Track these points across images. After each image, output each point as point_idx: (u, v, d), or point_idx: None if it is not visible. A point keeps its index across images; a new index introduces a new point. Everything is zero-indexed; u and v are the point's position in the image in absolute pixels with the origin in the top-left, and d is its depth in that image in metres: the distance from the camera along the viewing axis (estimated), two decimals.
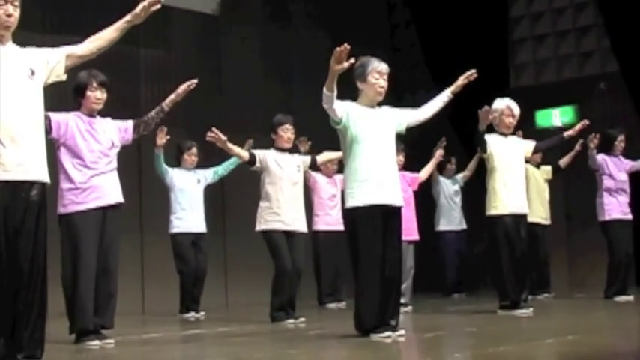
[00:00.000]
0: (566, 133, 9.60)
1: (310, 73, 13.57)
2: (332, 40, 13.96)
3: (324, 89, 6.50)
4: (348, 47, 6.24)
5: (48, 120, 6.74)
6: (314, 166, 9.37)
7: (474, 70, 7.41)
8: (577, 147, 11.22)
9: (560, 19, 14.33)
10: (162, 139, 9.59)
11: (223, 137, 8.50)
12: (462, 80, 7.38)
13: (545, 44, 14.45)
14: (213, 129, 8.49)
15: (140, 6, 5.64)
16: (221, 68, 13.18)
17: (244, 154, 8.74)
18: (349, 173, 6.80)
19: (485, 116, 8.57)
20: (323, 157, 9.27)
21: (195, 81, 7.42)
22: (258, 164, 8.70)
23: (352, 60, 6.34)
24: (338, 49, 6.26)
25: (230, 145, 8.65)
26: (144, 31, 12.11)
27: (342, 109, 6.69)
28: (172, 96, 7.45)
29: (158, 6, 5.65)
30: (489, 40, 13.78)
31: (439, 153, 10.73)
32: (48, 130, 6.69)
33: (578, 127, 9.60)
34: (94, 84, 7.10)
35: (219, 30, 13.26)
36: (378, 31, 14.90)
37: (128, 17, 5.68)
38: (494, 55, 13.90)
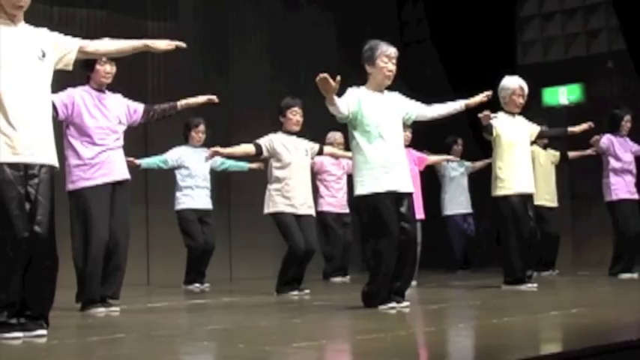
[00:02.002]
0: (570, 129, 9.76)
1: (317, 52, 13.62)
2: (339, 17, 14.11)
3: (326, 102, 6.52)
4: (325, 75, 6.28)
5: (53, 105, 6.77)
6: (320, 154, 9.36)
7: (490, 92, 7.55)
8: (589, 151, 11.18)
9: None
10: (134, 164, 9.34)
11: (221, 149, 8.53)
12: (479, 98, 7.44)
13: (553, 22, 14.42)
14: (208, 152, 8.50)
15: (166, 45, 5.84)
16: (228, 43, 13.17)
17: (250, 148, 8.70)
18: (357, 160, 6.77)
19: (486, 119, 8.61)
20: (330, 150, 9.28)
21: (217, 100, 7.55)
22: (265, 153, 8.70)
23: (339, 78, 6.34)
24: (317, 79, 6.29)
25: (231, 150, 8.68)
26: (152, 3, 12.21)
27: (348, 105, 6.65)
28: (190, 101, 7.53)
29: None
30: (497, 17, 13.78)
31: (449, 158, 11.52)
32: (54, 113, 6.74)
33: (583, 126, 9.73)
34: (103, 58, 7.09)
35: (227, 4, 13.25)
36: (385, 6, 14.87)
37: (149, 43, 5.80)
38: (502, 32, 13.91)
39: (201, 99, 7.55)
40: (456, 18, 13.88)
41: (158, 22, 12.32)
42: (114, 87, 7.34)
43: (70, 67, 5.51)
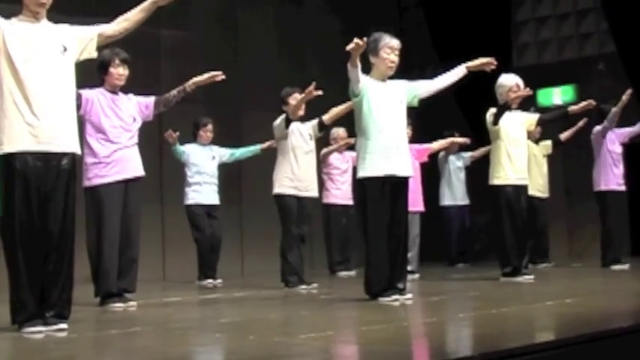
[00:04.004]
0: (571, 108, 9.62)
1: (323, 52, 13.62)
2: (343, 21, 14.10)
3: (349, 65, 6.57)
4: (358, 41, 6.36)
5: (79, 97, 6.82)
6: (322, 127, 9.04)
7: (493, 59, 7.23)
8: (580, 123, 11.23)
9: (560, 1, 14.29)
10: (173, 138, 9.82)
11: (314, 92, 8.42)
12: (480, 60, 7.19)
13: (547, 26, 14.41)
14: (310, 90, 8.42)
15: None
16: (238, 48, 13.18)
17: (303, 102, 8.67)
18: (361, 144, 6.83)
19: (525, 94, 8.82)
20: (330, 114, 9.04)
21: (223, 77, 7.38)
22: (289, 128, 8.74)
23: (365, 39, 6.43)
24: (351, 45, 6.37)
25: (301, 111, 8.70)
26: (164, 11, 12.20)
27: (361, 82, 6.74)
28: (197, 79, 7.37)
29: None
30: (493, 21, 13.76)
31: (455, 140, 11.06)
32: (78, 106, 6.78)
33: (583, 104, 9.58)
34: (117, 61, 7.17)
35: (237, 11, 13.26)
36: (387, 12, 14.87)
37: None
38: (498, 35, 13.87)
39: (206, 75, 7.36)
40: (455, 23, 13.86)
41: (171, 30, 12.35)
42: (129, 91, 7.36)
43: (95, 55, 5.58)
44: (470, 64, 7.16)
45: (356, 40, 6.38)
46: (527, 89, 8.89)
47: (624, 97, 10.31)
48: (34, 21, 5.29)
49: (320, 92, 8.32)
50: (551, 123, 9.97)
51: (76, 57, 5.41)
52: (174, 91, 7.44)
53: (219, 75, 7.34)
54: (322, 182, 11.04)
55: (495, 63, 7.20)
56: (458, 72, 7.17)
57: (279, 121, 8.80)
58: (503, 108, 8.86)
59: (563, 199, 13.53)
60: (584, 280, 9.06)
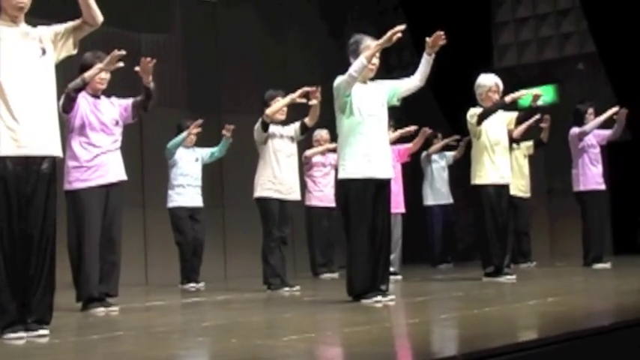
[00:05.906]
0: (532, 103, 9.54)
1: (304, 54, 13.63)
2: (324, 23, 14.12)
3: (363, 59, 6.56)
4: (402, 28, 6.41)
5: (75, 99, 6.88)
6: (305, 129, 8.97)
7: (441, 34, 7.01)
8: (543, 124, 11.29)
9: (540, 2, 14.36)
10: (196, 128, 10.04)
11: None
12: (427, 40, 6.98)
13: (527, 26, 14.48)
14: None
15: None
16: (219, 51, 13.16)
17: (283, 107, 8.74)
18: (343, 145, 6.83)
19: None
20: (310, 115, 8.88)
21: (154, 60, 7.10)
22: (269, 130, 8.72)
23: (399, 35, 6.44)
24: (393, 31, 6.42)
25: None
26: (145, 15, 12.21)
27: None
28: (143, 74, 7.12)
29: None
30: (473, 22, 13.80)
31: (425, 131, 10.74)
32: (68, 109, 6.77)
33: (525, 92, 9.51)
34: (99, 65, 7.09)
35: (217, 14, 13.25)
36: (367, 13, 14.90)
37: None
38: (478, 36, 13.92)
39: (141, 65, 7.06)
40: (435, 24, 13.85)
41: (151, 35, 12.33)
42: (110, 91, 7.34)
43: (74, 52, 5.48)
44: (427, 48, 6.96)
45: (399, 27, 6.41)
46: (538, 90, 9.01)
47: (609, 113, 10.37)
48: (13, 25, 5.25)
49: (304, 100, 8.34)
50: (525, 120, 10.01)
51: (55, 57, 5.37)
52: (142, 93, 7.31)
53: (150, 61, 7.05)
54: (305, 184, 11.05)
55: (442, 33, 6.99)
56: (424, 62, 6.97)
57: (258, 124, 8.80)
58: (494, 108, 8.85)
59: (545, 198, 13.58)
60: (566, 280, 9.08)
